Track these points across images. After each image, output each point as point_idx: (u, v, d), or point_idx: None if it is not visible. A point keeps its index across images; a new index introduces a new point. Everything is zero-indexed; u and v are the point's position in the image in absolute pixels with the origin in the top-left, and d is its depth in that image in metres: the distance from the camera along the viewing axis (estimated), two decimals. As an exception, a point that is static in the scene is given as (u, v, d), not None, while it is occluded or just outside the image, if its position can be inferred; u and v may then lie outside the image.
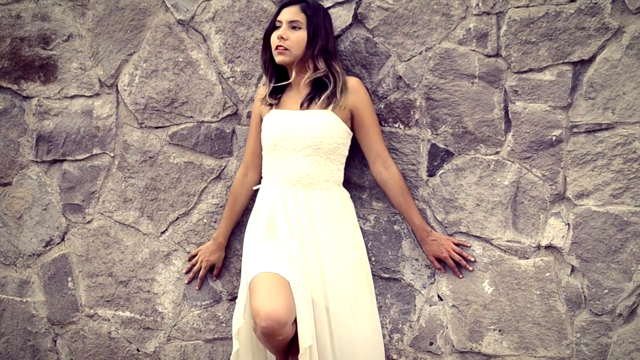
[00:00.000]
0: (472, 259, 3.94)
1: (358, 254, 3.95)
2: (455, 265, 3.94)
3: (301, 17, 3.82)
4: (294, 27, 3.82)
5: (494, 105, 3.86)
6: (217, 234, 4.30)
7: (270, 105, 3.96)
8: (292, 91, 3.96)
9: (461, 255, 3.94)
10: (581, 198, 3.75)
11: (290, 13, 3.83)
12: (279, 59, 3.85)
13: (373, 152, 3.94)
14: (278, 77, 3.97)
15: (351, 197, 4.16)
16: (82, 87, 4.63)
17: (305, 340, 3.63)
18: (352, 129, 3.94)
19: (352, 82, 3.90)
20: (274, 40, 3.85)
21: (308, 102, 3.86)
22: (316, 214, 3.84)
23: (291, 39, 3.81)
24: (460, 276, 3.95)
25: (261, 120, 4.01)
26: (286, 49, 3.82)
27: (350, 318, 3.84)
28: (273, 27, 3.88)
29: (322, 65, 3.84)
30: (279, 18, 3.85)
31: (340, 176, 3.95)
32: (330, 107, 3.83)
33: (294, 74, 3.90)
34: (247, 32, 4.28)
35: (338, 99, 3.81)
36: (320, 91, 3.85)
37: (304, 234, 3.82)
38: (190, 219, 4.50)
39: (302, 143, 3.81)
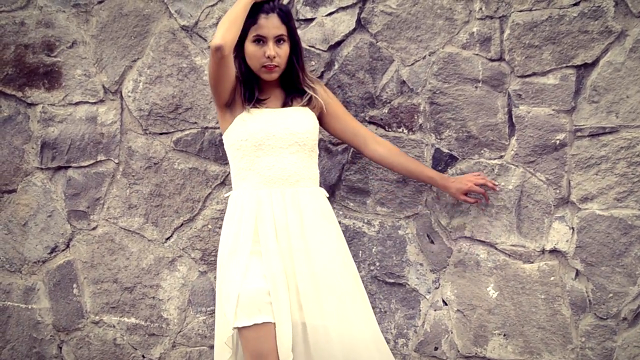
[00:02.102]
0: (496, 185, 3.92)
1: (346, 252, 3.85)
2: (482, 190, 3.87)
3: (283, 30, 3.71)
4: (279, 41, 3.71)
5: (497, 110, 3.86)
6: None
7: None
8: (262, 90, 3.84)
9: (485, 185, 3.91)
10: (585, 202, 3.75)
11: (274, 26, 3.70)
12: (269, 77, 3.75)
13: (360, 134, 3.94)
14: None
15: (355, 202, 4.16)
16: (87, 93, 4.64)
17: (285, 358, 3.60)
18: (323, 125, 3.94)
19: (313, 79, 3.91)
20: (260, 57, 3.70)
21: (290, 101, 3.81)
22: (305, 212, 3.75)
23: (280, 55, 3.71)
24: (488, 202, 3.93)
25: (230, 101, 3.83)
26: (276, 66, 3.72)
27: (347, 318, 3.72)
28: (245, 36, 3.71)
29: (308, 74, 3.84)
30: (261, 33, 3.68)
31: (318, 175, 3.88)
32: (309, 105, 3.81)
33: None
34: (250, 37, 4.29)
35: (318, 102, 3.81)
36: (298, 92, 3.81)
37: (293, 236, 3.71)
38: (195, 225, 4.50)
39: (288, 140, 3.72)
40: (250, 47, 3.70)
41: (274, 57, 3.68)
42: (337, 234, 3.83)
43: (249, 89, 3.77)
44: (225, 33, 3.54)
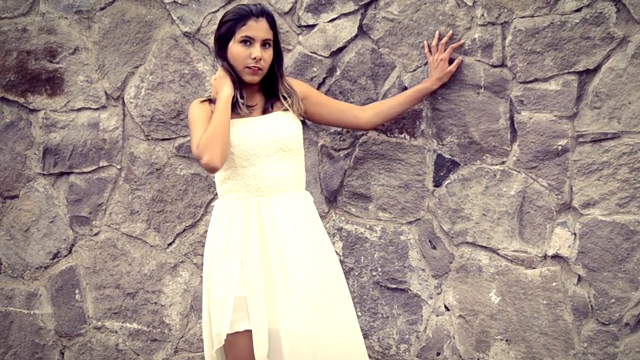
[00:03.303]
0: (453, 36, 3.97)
1: (333, 257, 3.82)
2: (449, 53, 3.93)
3: (271, 35, 3.69)
4: (264, 45, 3.67)
5: (499, 115, 3.87)
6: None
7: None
8: (242, 97, 3.75)
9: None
10: (587, 207, 3.75)
11: (263, 30, 3.66)
12: (252, 79, 3.69)
13: (348, 110, 3.97)
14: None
15: (357, 207, 4.17)
16: (89, 99, 4.65)
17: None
18: (310, 118, 3.97)
19: (289, 81, 3.87)
20: (245, 58, 3.64)
21: (270, 107, 3.77)
22: (294, 219, 3.73)
23: (265, 59, 3.67)
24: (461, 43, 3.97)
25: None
26: (260, 69, 3.67)
27: (327, 325, 3.70)
28: (230, 37, 3.66)
29: (284, 82, 3.80)
30: (249, 34, 3.64)
31: (304, 177, 3.87)
32: (291, 108, 3.78)
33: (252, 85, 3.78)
34: (252, 43, 4.29)
35: (298, 106, 3.80)
36: (276, 98, 3.78)
37: (284, 242, 3.69)
38: (197, 231, 4.51)
39: (273, 147, 3.68)
40: (236, 48, 3.65)
41: (260, 60, 3.64)
42: (324, 239, 3.82)
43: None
44: (221, 153, 3.55)
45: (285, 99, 3.77)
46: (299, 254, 3.70)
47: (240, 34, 3.64)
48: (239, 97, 3.71)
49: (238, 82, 3.71)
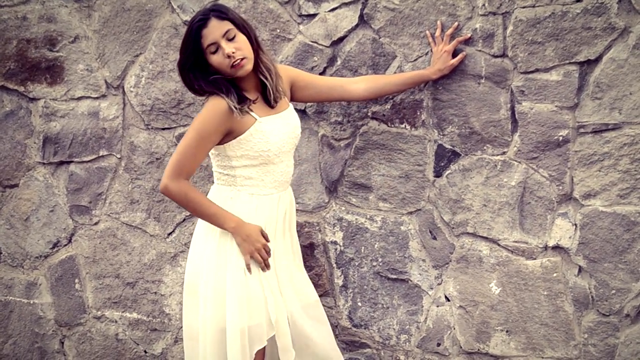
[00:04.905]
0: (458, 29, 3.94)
1: None
2: (454, 46, 3.89)
3: (227, 25, 3.55)
4: (230, 39, 3.56)
5: (500, 106, 3.86)
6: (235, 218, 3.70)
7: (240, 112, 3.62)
8: (248, 95, 3.68)
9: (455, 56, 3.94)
10: (588, 198, 3.74)
11: (216, 27, 3.55)
12: (244, 71, 3.58)
13: (338, 86, 3.97)
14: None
15: (358, 197, 4.17)
16: (89, 88, 4.64)
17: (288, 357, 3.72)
18: (302, 99, 4.01)
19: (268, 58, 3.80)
20: (222, 61, 3.55)
21: (275, 100, 3.71)
22: (294, 207, 3.96)
23: (239, 47, 3.55)
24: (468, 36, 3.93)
25: (226, 134, 3.65)
26: (242, 59, 3.56)
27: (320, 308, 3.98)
28: (198, 56, 3.59)
29: (264, 58, 3.69)
30: (210, 41, 3.54)
31: None
32: (287, 97, 3.83)
33: (245, 79, 3.69)
34: (253, 33, 4.28)
35: (283, 87, 3.75)
36: (268, 88, 3.70)
37: (293, 230, 3.93)
38: (197, 221, 4.50)
39: (293, 143, 3.77)
40: (213, 60, 3.57)
41: (234, 52, 3.53)
42: None
43: (240, 97, 3.62)
44: (179, 202, 3.75)
45: (266, 78, 3.67)
46: (296, 245, 3.98)
47: (204, 47, 3.56)
48: (240, 107, 3.59)
49: (235, 87, 3.63)
